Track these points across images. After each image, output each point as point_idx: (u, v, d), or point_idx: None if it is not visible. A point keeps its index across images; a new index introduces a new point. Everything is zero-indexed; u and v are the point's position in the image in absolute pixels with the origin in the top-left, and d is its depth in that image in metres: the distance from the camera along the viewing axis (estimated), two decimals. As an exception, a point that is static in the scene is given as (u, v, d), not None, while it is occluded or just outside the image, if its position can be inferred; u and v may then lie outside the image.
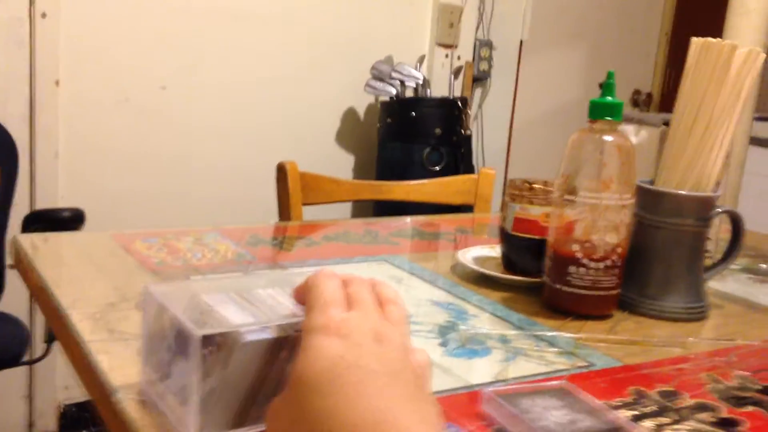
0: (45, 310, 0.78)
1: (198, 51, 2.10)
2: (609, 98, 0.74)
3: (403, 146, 2.26)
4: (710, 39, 0.77)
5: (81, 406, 2.04)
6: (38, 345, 1.54)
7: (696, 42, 0.78)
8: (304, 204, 1.32)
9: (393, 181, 1.46)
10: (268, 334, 0.49)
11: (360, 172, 2.47)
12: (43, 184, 1.90)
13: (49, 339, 1.38)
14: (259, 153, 2.23)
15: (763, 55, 0.76)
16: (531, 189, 0.86)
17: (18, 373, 1.93)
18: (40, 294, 0.80)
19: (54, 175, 1.92)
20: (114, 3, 1.94)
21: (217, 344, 0.48)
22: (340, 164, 2.43)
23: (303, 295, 0.49)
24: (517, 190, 0.87)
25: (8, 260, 1.57)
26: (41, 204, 1.89)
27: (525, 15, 2.70)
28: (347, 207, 2.45)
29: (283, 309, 0.52)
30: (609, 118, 0.74)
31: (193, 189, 2.15)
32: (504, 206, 0.89)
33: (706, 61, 0.76)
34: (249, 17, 2.15)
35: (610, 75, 0.75)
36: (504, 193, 0.90)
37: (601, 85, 0.76)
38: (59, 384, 2.01)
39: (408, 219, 1.25)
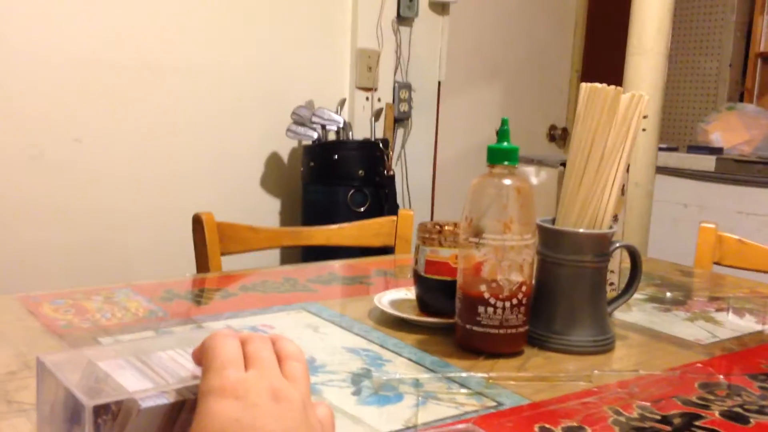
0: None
1: (113, 101, 2.07)
2: (505, 144, 0.78)
3: (326, 189, 2.27)
4: (597, 84, 0.81)
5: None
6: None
7: (584, 87, 0.82)
8: (224, 254, 1.30)
9: (316, 225, 1.46)
10: (166, 399, 0.48)
11: (285, 217, 2.47)
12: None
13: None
14: (180, 203, 2.20)
15: (646, 98, 0.81)
16: (440, 232, 0.88)
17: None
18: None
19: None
20: (22, 57, 1.90)
21: (112, 413, 0.47)
22: (264, 210, 2.42)
23: (199, 357, 0.48)
24: (428, 233, 0.89)
25: None
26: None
27: (441, 57, 2.78)
28: (275, 254, 2.43)
29: (183, 371, 0.52)
30: (507, 163, 0.77)
31: (109, 242, 2.09)
32: (417, 249, 0.90)
33: (594, 105, 0.80)
34: (164, 68, 2.14)
35: (504, 122, 0.78)
36: (416, 237, 0.91)
37: (497, 132, 0.79)
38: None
39: (328, 264, 1.25)
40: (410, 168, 2.72)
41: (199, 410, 0.43)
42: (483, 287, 0.77)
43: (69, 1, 1.97)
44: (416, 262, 0.90)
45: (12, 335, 0.81)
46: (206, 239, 1.24)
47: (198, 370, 0.50)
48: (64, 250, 2.01)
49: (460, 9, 2.79)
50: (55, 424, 0.51)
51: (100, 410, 0.46)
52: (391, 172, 2.33)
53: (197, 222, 1.25)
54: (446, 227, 0.89)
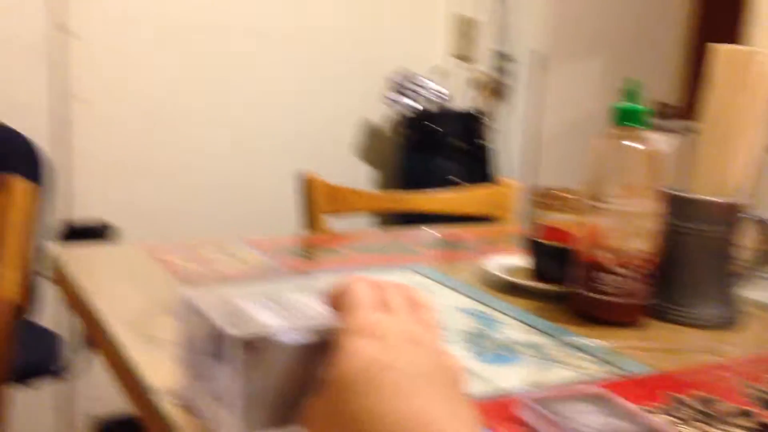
0: (82, 319, 0.79)
1: (219, 67, 2.13)
2: (633, 104, 0.75)
3: (423, 158, 2.27)
4: (734, 46, 0.77)
5: (113, 419, 2.06)
6: (72, 357, 1.56)
7: (719, 48, 0.78)
8: (326, 214, 1.33)
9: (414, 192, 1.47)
10: (303, 337, 0.50)
11: (381, 185, 2.48)
12: (69, 198, 1.93)
13: (82, 350, 1.39)
14: (280, 166, 2.25)
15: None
16: (555, 197, 0.87)
17: (51, 386, 1.95)
18: (76, 303, 0.81)
19: (78, 189, 1.95)
20: (134, 22, 1.98)
21: (254, 347, 0.49)
22: (359, 177, 2.44)
23: (336, 300, 0.50)
24: (542, 198, 0.87)
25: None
26: (68, 217, 1.92)
27: (543, 27, 2.71)
28: (369, 222, 2.46)
29: (315, 313, 0.53)
30: (633, 124, 0.75)
31: (215, 201, 2.17)
32: (529, 215, 0.89)
33: (728, 69, 0.76)
34: (267, 34, 2.18)
35: (632, 82, 0.75)
36: (527, 203, 0.90)
37: (624, 93, 0.76)
38: (91, 396, 2.02)
39: (431, 229, 1.25)
40: (506, 141, 2.68)
41: (341, 346, 0.44)
42: (602, 253, 0.75)
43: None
44: (529, 228, 0.89)
45: (142, 280, 0.86)
46: (312, 199, 1.26)
47: (330, 314, 0.52)
48: (174, 209, 2.10)
49: (565, -23, 2.70)
50: (197, 357, 0.54)
51: (244, 344, 0.48)
52: (489, 144, 2.30)
53: (303, 181, 1.28)
54: (561, 193, 0.87)
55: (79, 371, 1.51)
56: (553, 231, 0.87)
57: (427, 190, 1.50)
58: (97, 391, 2.04)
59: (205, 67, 2.11)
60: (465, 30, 2.49)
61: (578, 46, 2.89)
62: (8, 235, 0.90)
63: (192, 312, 0.53)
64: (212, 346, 0.51)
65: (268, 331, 0.49)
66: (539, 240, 0.88)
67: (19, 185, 0.91)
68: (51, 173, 1.65)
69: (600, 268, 0.75)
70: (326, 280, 0.55)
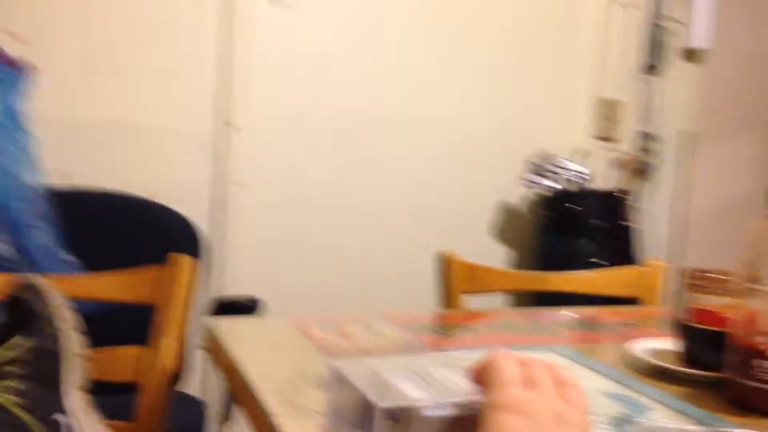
0: (233, 387, 0.84)
1: (360, 151, 2.24)
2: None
3: (562, 239, 2.23)
4: None
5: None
6: (216, 424, 1.65)
7: None
8: (464, 293, 1.33)
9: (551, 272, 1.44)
10: (446, 411, 0.51)
11: (516, 265, 2.46)
12: (222, 276, 2.07)
13: (222, 420, 1.46)
14: (416, 244, 2.29)
15: None
16: (708, 279, 0.83)
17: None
18: (228, 372, 0.87)
19: (231, 267, 2.09)
20: (288, 111, 2.13)
21: (397, 418, 0.51)
22: (495, 257, 2.43)
23: (481, 374, 0.50)
24: (694, 280, 0.84)
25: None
26: (219, 293, 2.05)
27: (691, 106, 2.63)
28: (502, 300, 2.43)
29: (457, 388, 0.54)
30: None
31: (354, 277, 2.24)
32: (679, 297, 0.85)
33: None
34: (410, 118, 2.27)
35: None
36: (679, 285, 0.86)
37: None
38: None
39: (573, 309, 1.22)
40: (650, 222, 2.58)
41: (488, 422, 0.45)
42: (760, 339, 0.70)
43: (332, 61, 2.18)
44: (679, 311, 0.85)
45: (290, 352, 0.91)
46: (451, 277, 1.28)
47: (472, 389, 0.52)
48: (316, 280, 2.19)
49: (716, 54, 2.62)
50: (343, 427, 0.56)
51: (387, 413, 0.50)
52: (632, 224, 2.23)
53: (443, 260, 1.30)
54: (714, 275, 0.83)
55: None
56: (706, 314, 0.82)
57: (569, 270, 1.46)
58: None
59: (351, 151, 2.22)
60: (608, 111, 2.47)
61: (729, 124, 2.77)
62: (173, 307, 0.98)
63: (341, 382, 0.55)
64: (359, 416, 0.53)
65: (414, 403, 0.51)
66: (691, 323, 0.83)
67: (184, 262, 1.00)
68: (207, 251, 1.78)
69: (759, 354, 0.70)
70: (469, 356, 0.56)
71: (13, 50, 1.81)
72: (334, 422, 0.57)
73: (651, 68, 2.53)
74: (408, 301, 2.26)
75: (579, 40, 2.49)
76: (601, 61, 2.48)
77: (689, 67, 2.60)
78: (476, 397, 0.51)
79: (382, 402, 0.50)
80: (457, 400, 0.51)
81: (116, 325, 1.29)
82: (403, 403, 0.51)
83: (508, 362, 0.49)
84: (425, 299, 2.20)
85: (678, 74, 2.59)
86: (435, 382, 0.55)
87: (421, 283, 2.24)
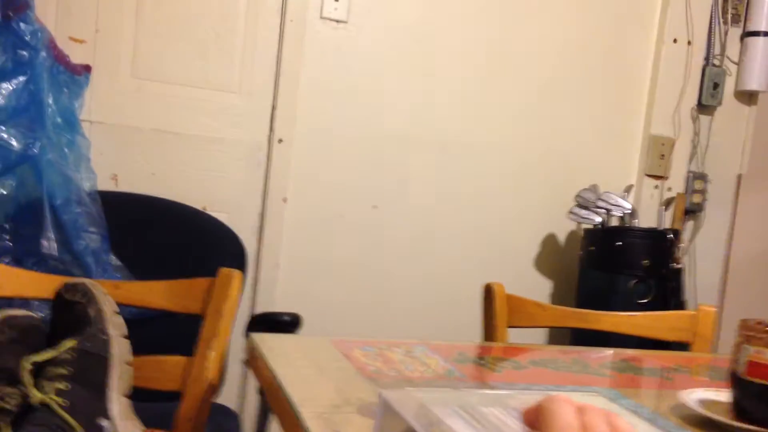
0: (274, 405, 0.84)
1: (407, 174, 2.24)
2: None
3: (606, 276, 2.19)
4: None
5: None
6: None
7: None
8: (508, 326, 1.31)
9: (597, 311, 1.42)
10: (498, 452, 0.50)
11: (557, 300, 2.42)
12: (263, 290, 2.08)
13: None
14: (458, 272, 2.28)
15: None
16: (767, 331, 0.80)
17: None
18: (270, 389, 0.87)
19: (273, 282, 2.10)
20: (337, 131, 2.15)
21: (448, 456, 0.50)
22: (537, 290, 2.41)
23: (535, 418, 0.49)
24: (753, 332, 0.81)
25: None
26: (260, 308, 2.06)
27: (744, 147, 2.58)
28: (543, 332, 2.39)
29: (509, 430, 0.53)
30: None
31: (395, 302, 2.24)
32: (737, 348, 0.83)
33: None
34: (456, 145, 2.27)
35: None
36: (736, 335, 0.84)
37: None
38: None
39: (620, 351, 1.20)
40: (699, 263, 2.52)
41: None
42: (825, 399, 0.68)
43: (380, 88, 2.19)
44: (736, 362, 0.83)
45: (331, 374, 0.90)
46: (496, 309, 1.26)
47: (523, 431, 0.51)
48: (356, 305, 2.19)
49: (770, 97, 2.57)
50: (389, 457, 0.55)
51: (439, 451, 0.49)
52: (680, 265, 2.18)
53: (489, 291, 1.28)
54: (774, 327, 0.81)
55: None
56: (762, 367, 0.80)
57: (609, 309, 1.44)
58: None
59: (399, 174, 2.23)
60: (660, 149, 2.43)
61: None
62: (221, 321, 0.99)
63: (390, 413, 0.55)
64: (407, 449, 0.52)
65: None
66: (746, 376, 0.81)
67: (235, 277, 1.01)
68: (246, 265, 1.80)
69: (822, 414, 0.68)
70: (519, 396, 0.55)
71: (74, 55, 1.87)
72: (381, 452, 0.56)
73: (705, 108, 2.49)
74: (449, 330, 2.25)
75: (635, 76, 2.47)
76: (656, 98, 2.45)
77: (743, 109, 2.56)
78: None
79: (435, 438, 0.49)
80: (508, 441, 0.50)
81: (149, 331, 1.31)
82: (455, 442, 0.50)
83: (567, 409, 0.47)
84: (466, 329, 2.18)
85: (731, 115, 2.54)
86: (486, 421, 0.54)
87: (463, 312, 2.23)
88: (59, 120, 1.64)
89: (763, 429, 0.77)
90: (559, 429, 0.46)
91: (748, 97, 2.56)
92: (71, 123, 1.70)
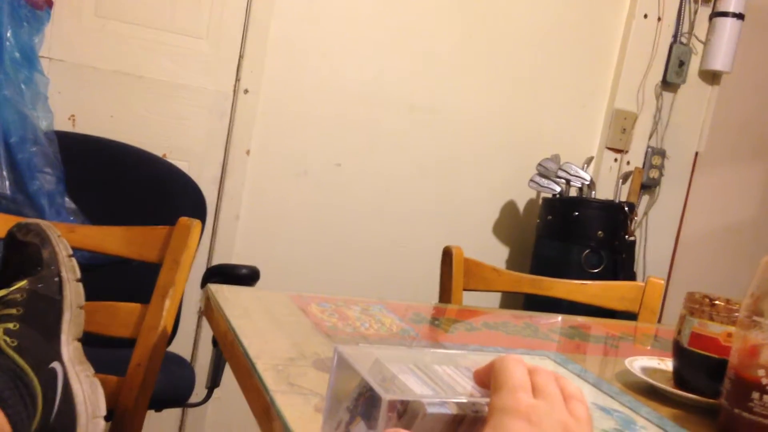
0: (229, 356, 0.84)
1: (373, 134, 2.23)
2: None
3: (561, 245, 2.23)
4: None
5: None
6: (199, 390, 1.65)
7: None
8: (464, 289, 1.34)
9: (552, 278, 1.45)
10: (448, 410, 0.51)
11: (512, 267, 2.46)
12: (222, 242, 2.07)
13: (211, 385, 1.47)
14: (418, 235, 2.30)
15: None
16: (712, 305, 0.83)
17: (173, 415, 2.06)
18: (226, 341, 0.87)
19: (232, 234, 2.09)
20: (305, 86, 2.13)
21: (398, 411, 0.51)
22: (493, 257, 2.44)
23: (486, 377, 0.50)
24: (698, 305, 0.84)
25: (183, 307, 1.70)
26: (218, 259, 2.05)
27: (703, 126, 2.63)
28: (497, 297, 2.44)
29: (460, 388, 0.54)
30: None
31: (355, 261, 2.25)
32: (681, 319, 0.86)
33: None
34: (423, 108, 2.27)
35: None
36: (683, 307, 0.87)
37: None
38: (207, 431, 2.11)
39: (570, 318, 1.23)
40: (650, 237, 2.58)
41: (494, 424, 0.45)
42: (761, 372, 0.71)
43: (351, 46, 2.16)
44: (679, 333, 0.86)
45: (288, 328, 0.91)
46: (453, 272, 1.28)
47: (476, 391, 0.52)
48: (314, 262, 2.20)
49: (733, 79, 2.62)
50: (341, 412, 0.56)
51: (391, 406, 0.50)
52: (633, 238, 2.23)
53: (447, 254, 1.30)
54: (718, 302, 0.84)
55: (206, 403, 1.58)
56: (704, 339, 0.83)
57: (561, 278, 1.47)
58: (213, 428, 2.12)
59: (359, 133, 2.22)
60: (623, 124, 2.46)
61: (738, 150, 2.77)
62: (177, 270, 0.98)
63: (344, 367, 0.55)
64: (357, 402, 0.53)
65: (416, 397, 0.51)
66: (688, 347, 0.84)
67: (194, 227, 1.00)
68: (206, 216, 1.78)
69: (760, 388, 0.71)
70: (473, 357, 0.56)
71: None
72: (334, 406, 0.57)
73: (669, 85, 2.53)
74: (407, 290, 2.28)
75: (604, 49, 2.48)
76: (622, 73, 2.47)
77: (706, 88, 2.60)
78: (481, 399, 0.51)
79: (384, 392, 0.50)
80: (460, 399, 0.51)
81: (102, 278, 1.30)
82: (406, 397, 0.51)
83: (519, 368, 0.49)
84: (423, 290, 2.20)
85: (694, 94, 2.59)
86: (440, 380, 0.55)
87: (421, 273, 2.25)
88: (17, 55, 1.58)
89: (701, 397, 0.81)
90: (510, 387, 0.47)
91: (711, 76, 2.61)
92: (29, 59, 1.64)
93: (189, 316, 1.98)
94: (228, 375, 1.61)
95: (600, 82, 2.50)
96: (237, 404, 2.09)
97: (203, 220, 1.74)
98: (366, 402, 0.51)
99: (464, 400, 0.51)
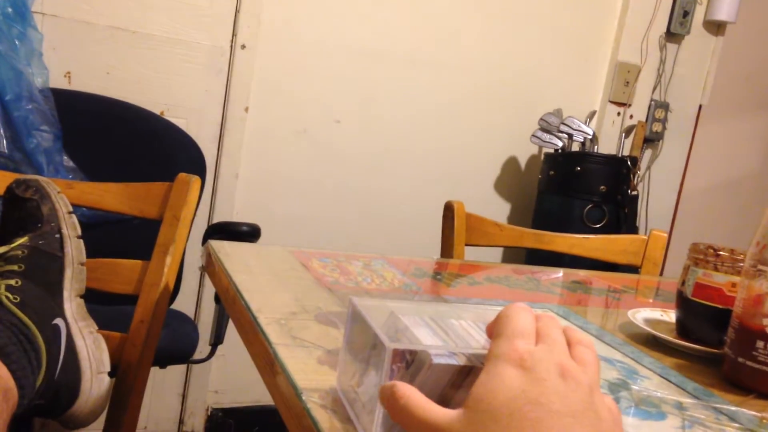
0: (231, 312, 0.84)
1: (372, 90, 2.20)
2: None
3: (563, 200, 2.23)
4: None
5: (227, 412, 2.16)
6: (202, 347, 1.66)
7: None
8: (466, 244, 1.33)
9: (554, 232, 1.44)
10: (456, 360, 0.50)
11: (514, 221, 2.46)
12: (222, 200, 2.06)
13: (215, 342, 1.48)
14: (419, 191, 2.29)
15: None
16: (717, 255, 0.83)
17: (178, 372, 2.08)
18: (228, 297, 0.86)
19: (232, 192, 2.08)
20: (303, 41, 2.09)
21: (406, 361, 0.51)
22: (495, 212, 2.44)
23: (495, 325, 0.50)
24: (702, 255, 0.84)
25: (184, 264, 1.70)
26: (218, 217, 2.05)
27: (707, 79, 2.59)
28: (498, 252, 2.44)
29: (473, 341, 0.54)
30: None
31: (355, 218, 2.24)
32: (685, 270, 0.85)
33: None
34: (423, 62, 2.23)
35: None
36: (687, 258, 0.86)
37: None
38: (210, 387, 2.14)
39: (572, 271, 1.23)
40: (653, 191, 2.57)
41: (487, 370, 0.44)
42: (766, 321, 0.71)
43: (345, 0, 2.13)
44: (683, 284, 0.86)
45: (289, 282, 0.90)
46: (455, 227, 1.27)
47: (488, 344, 0.52)
48: (315, 219, 2.19)
49: (738, 29, 2.58)
50: (356, 362, 0.56)
51: (396, 355, 0.50)
52: (635, 192, 2.22)
53: (449, 209, 1.29)
54: (723, 252, 0.83)
55: (210, 360, 1.59)
56: (708, 289, 0.83)
57: (565, 232, 1.46)
58: (217, 384, 2.14)
59: (358, 89, 2.19)
60: (626, 77, 2.43)
61: (743, 102, 2.74)
62: (178, 227, 0.97)
63: (357, 318, 0.55)
64: (369, 353, 0.53)
65: (422, 347, 0.51)
66: (692, 297, 0.84)
67: (191, 182, 0.99)
68: (205, 174, 1.77)
69: (759, 335, 0.71)
70: (492, 309, 0.56)
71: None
72: (349, 356, 0.57)
73: (672, 36, 2.49)
74: (408, 246, 2.27)
75: (607, 2, 2.43)
76: (626, 24, 2.43)
77: (710, 39, 2.56)
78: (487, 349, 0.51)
79: (392, 343, 0.49)
80: (468, 351, 0.51)
81: (101, 235, 1.29)
82: (412, 347, 0.51)
83: (521, 314, 0.48)
84: (424, 246, 2.20)
85: (698, 45, 2.55)
86: (451, 332, 0.55)
87: (422, 229, 2.25)
88: (9, 10, 1.54)
89: (704, 347, 0.81)
90: (508, 334, 0.46)
91: (716, 27, 2.56)
92: (22, 14, 1.60)
93: (191, 274, 1.99)
94: (230, 332, 1.62)
95: (603, 35, 2.46)
96: (240, 360, 2.11)
97: (203, 178, 1.73)
98: (373, 350, 0.51)
99: (471, 352, 0.51)
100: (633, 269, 1.42)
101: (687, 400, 0.68)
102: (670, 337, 0.83)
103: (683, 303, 0.85)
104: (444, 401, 0.50)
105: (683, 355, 0.82)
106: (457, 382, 0.50)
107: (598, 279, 1.22)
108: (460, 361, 0.50)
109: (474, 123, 2.34)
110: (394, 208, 2.29)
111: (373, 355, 0.51)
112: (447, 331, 0.54)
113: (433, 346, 0.51)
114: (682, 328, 0.86)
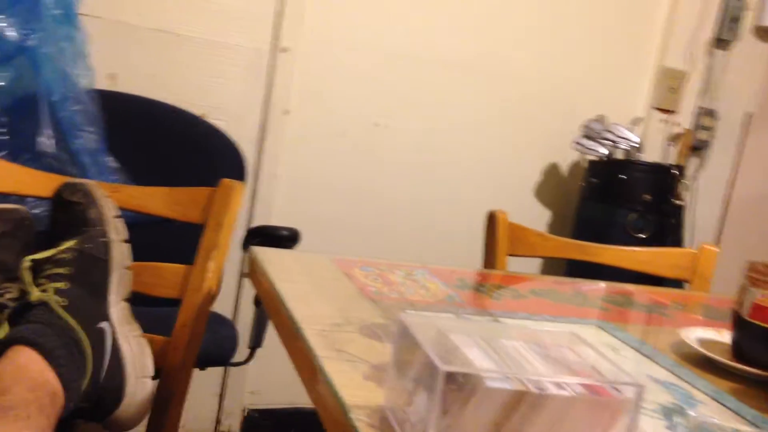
0: (275, 320, 0.83)
1: (412, 94, 2.18)
2: None
3: (606, 208, 2.18)
4: None
5: (263, 413, 2.16)
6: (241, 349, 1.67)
7: None
8: (509, 255, 1.31)
9: (595, 243, 1.41)
10: (509, 385, 0.49)
11: (554, 230, 2.42)
12: (261, 203, 2.06)
13: (254, 345, 1.48)
14: (458, 196, 2.27)
15: None
16: (775, 275, 0.79)
17: (216, 372, 2.08)
18: (270, 304, 0.86)
19: (271, 195, 2.08)
20: (343, 44, 2.08)
21: (458, 383, 0.49)
22: (535, 219, 2.40)
23: None
24: (760, 275, 0.80)
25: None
26: (257, 220, 2.05)
27: (757, 86, 2.52)
28: (537, 262, 2.41)
29: (527, 364, 0.52)
30: None
31: (393, 222, 2.23)
32: (742, 290, 0.82)
33: None
34: (463, 67, 2.21)
35: None
36: (743, 277, 0.83)
37: None
38: (247, 388, 2.14)
39: (620, 286, 1.19)
40: (700, 201, 2.51)
41: None
42: (830, 347, 0.67)
43: (390, 2, 2.11)
44: (740, 304, 0.82)
45: (332, 292, 0.89)
46: (498, 237, 1.25)
47: (543, 368, 0.50)
48: (354, 223, 2.18)
49: (790, 36, 2.50)
50: (405, 381, 0.54)
51: (450, 378, 0.48)
52: (681, 202, 2.17)
53: (492, 219, 1.27)
54: (783, 271, 0.80)
55: (247, 363, 1.59)
56: (765, 311, 0.79)
57: (605, 242, 1.43)
58: (254, 385, 2.15)
59: (397, 93, 2.17)
60: (671, 82, 2.38)
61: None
62: (221, 232, 0.97)
63: (406, 336, 0.54)
64: (420, 373, 0.52)
65: (476, 371, 0.49)
66: (749, 319, 0.80)
67: (234, 187, 0.99)
68: (245, 177, 1.77)
69: (825, 362, 0.67)
70: (545, 332, 0.54)
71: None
72: (398, 375, 0.56)
73: (721, 42, 2.42)
74: (445, 255, 2.25)
75: (652, 5, 2.38)
76: (671, 31, 2.37)
77: (759, 46, 2.49)
78: (546, 378, 0.49)
79: (445, 365, 0.48)
80: (523, 376, 0.49)
81: (145, 237, 1.30)
82: (465, 370, 0.49)
83: None
84: (462, 254, 2.18)
85: (747, 52, 2.48)
86: (504, 354, 0.54)
87: (460, 237, 2.22)
88: (57, 12, 1.56)
89: (762, 371, 0.78)
90: None
91: (765, 33, 2.49)
92: (69, 16, 1.62)
93: (230, 276, 1.99)
94: (268, 333, 1.62)
95: (648, 39, 2.40)
96: (277, 361, 2.11)
97: (243, 181, 1.73)
98: (427, 372, 0.50)
99: (526, 377, 0.50)
100: (677, 284, 1.38)
101: (746, 429, 0.65)
102: (726, 360, 0.80)
103: (740, 324, 0.82)
104: (497, 426, 0.49)
105: (739, 379, 0.79)
106: (512, 407, 0.49)
107: (645, 293, 1.19)
108: (513, 385, 0.49)
109: (514, 128, 2.31)
110: (432, 212, 2.27)
111: (424, 376, 0.50)
112: (498, 352, 0.52)
113: (487, 370, 0.49)
114: (739, 350, 0.82)
